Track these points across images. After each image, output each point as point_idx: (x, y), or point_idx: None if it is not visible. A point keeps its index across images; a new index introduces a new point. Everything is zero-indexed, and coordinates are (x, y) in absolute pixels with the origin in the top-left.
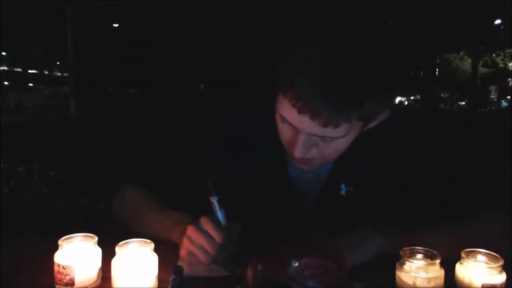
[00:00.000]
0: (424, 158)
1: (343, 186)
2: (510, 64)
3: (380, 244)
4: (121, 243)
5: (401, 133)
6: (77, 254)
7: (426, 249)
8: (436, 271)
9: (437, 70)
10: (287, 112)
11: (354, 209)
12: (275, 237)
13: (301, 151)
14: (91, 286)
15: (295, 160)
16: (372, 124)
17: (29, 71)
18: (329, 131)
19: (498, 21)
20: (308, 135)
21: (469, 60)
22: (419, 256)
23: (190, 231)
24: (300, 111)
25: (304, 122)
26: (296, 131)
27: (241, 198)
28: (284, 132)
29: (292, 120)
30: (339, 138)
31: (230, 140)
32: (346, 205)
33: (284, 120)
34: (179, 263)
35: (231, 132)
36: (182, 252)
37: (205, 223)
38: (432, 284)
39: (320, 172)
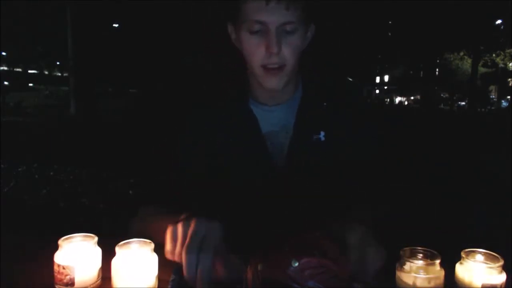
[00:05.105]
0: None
1: (309, 133)
2: (510, 64)
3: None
4: (121, 243)
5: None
6: (77, 254)
7: (426, 249)
8: (436, 271)
9: (437, 70)
10: (256, 12)
11: (322, 156)
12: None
13: (276, 46)
14: (91, 286)
15: (268, 74)
16: (306, 41)
17: (29, 71)
18: (291, 15)
19: (498, 21)
20: (277, 29)
21: (469, 60)
22: (419, 256)
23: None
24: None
25: (272, 11)
26: (266, 31)
27: (223, 165)
28: (255, 45)
29: (262, 16)
30: (296, 32)
31: (209, 119)
32: (314, 153)
33: (252, 29)
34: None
35: (208, 111)
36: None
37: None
38: (432, 284)
39: (287, 123)
